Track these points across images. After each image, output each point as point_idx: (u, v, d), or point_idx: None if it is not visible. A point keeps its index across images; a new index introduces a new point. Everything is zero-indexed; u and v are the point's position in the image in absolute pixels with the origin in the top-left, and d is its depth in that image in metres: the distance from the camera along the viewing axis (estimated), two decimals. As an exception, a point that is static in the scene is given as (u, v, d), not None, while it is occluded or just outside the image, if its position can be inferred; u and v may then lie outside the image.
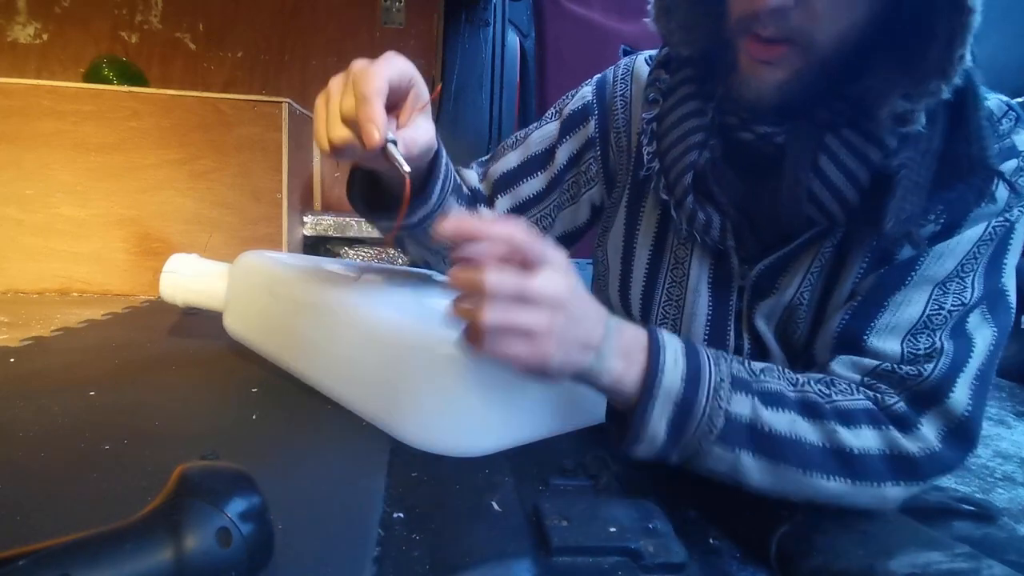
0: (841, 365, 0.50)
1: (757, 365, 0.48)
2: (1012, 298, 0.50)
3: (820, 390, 0.48)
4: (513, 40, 1.57)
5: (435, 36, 1.44)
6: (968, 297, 0.49)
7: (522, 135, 0.71)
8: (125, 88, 1.02)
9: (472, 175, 0.70)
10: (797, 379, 0.48)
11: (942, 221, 0.49)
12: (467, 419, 0.47)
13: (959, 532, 0.50)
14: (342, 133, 0.45)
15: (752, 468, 0.46)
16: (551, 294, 0.41)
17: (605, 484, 0.46)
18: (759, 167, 0.54)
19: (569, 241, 0.73)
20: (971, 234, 0.49)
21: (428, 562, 0.35)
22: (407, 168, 0.45)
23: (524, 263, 0.41)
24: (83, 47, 1.35)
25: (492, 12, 1.42)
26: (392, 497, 0.41)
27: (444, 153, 0.58)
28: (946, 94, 0.44)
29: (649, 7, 0.58)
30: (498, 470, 0.46)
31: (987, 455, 2.44)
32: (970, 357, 0.48)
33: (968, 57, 0.43)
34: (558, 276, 0.42)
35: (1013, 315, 0.50)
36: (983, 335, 0.49)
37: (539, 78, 1.52)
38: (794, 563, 0.44)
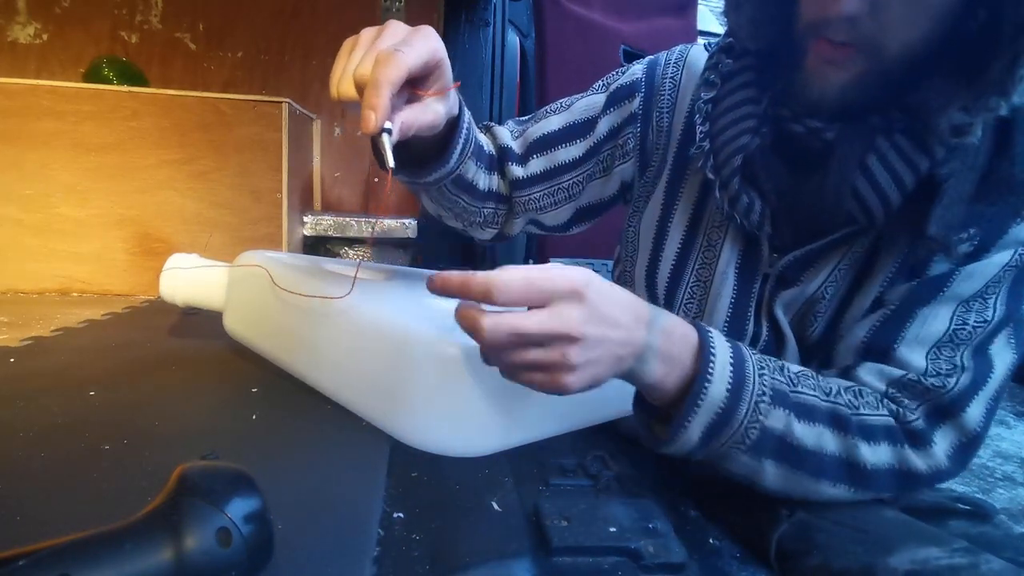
0: (868, 372, 0.52)
1: (794, 370, 0.50)
2: None
3: (849, 401, 0.49)
4: (513, 40, 1.57)
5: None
6: (990, 316, 0.51)
7: (567, 102, 0.72)
8: (125, 88, 1.02)
9: (504, 132, 0.71)
10: (830, 388, 0.49)
11: (975, 243, 0.51)
12: (469, 419, 0.47)
13: (955, 531, 0.51)
14: (349, 91, 0.45)
15: (771, 475, 0.47)
16: (555, 329, 0.41)
17: (605, 484, 0.46)
18: (805, 160, 0.55)
19: (590, 213, 0.75)
20: (999, 259, 0.51)
21: (428, 562, 0.35)
22: (391, 164, 0.45)
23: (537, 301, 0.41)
24: (83, 47, 1.35)
25: (492, 12, 1.42)
26: (392, 497, 0.41)
27: (467, 117, 0.60)
28: (1004, 111, 0.46)
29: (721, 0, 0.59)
30: (498, 470, 0.47)
31: (987, 455, 2.44)
32: (989, 377, 0.50)
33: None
34: (568, 308, 0.41)
35: None
36: (1004, 359, 0.51)
37: (539, 78, 1.52)
38: (794, 562, 0.44)
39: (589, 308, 0.41)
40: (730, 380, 0.45)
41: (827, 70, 0.51)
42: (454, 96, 0.54)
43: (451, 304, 0.46)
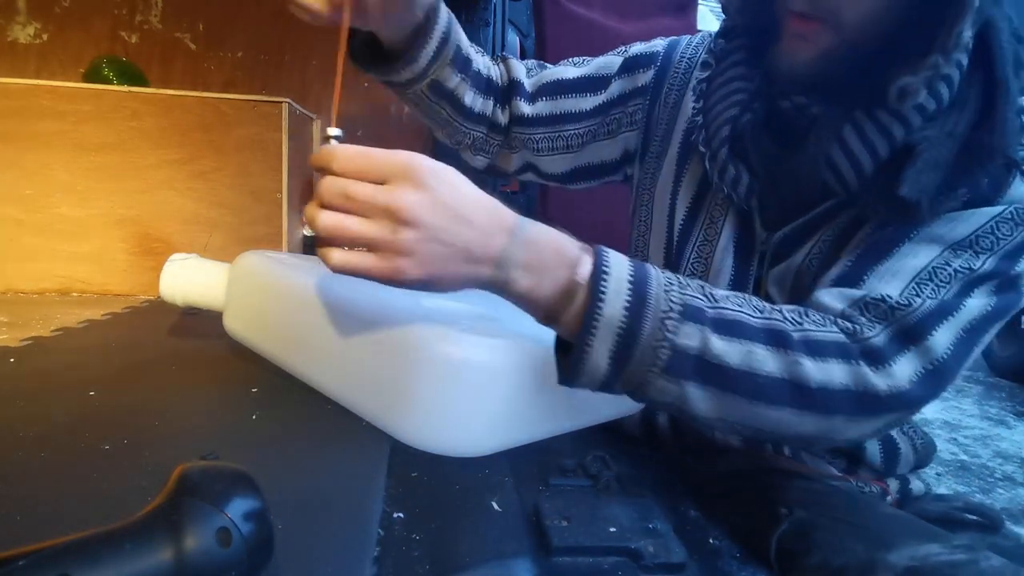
0: (828, 295, 0.49)
1: (721, 292, 0.46)
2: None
3: (791, 319, 0.46)
4: (513, 40, 1.57)
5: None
6: (978, 266, 0.49)
7: (588, 59, 0.74)
8: (125, 88, 1.02)
9: (519, 67, 0.73)
10: (765, 307, 0.47)
11: (964, 200, 0.50)
12: (469, 419, 0.47)
13: None
14: None
15: (698, 399, 0.44)
16: (386, 202, 0.39)
17: (605, 484, 0.46)
18: (792, 135, 0.56)
19: (589, 173, 0.76)
20: (989, 210, 0.50)
21: (428, 562, 0.35)
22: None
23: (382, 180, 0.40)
24: (83, 47, 1.35)
25: (492, 12, 1.42)
26: (392, 497, 0.41)
27: (445, 24, 0.61)
28: (947, 69, 0.47)
29: None
30: (498, 470, 0.47)
31: (987, 455, 2.44)
32: (961, 308, 0.47)
33: (968, 35, 0.46)
34: (404, 187, 0.40)
35: (1020, 304, 0.50)
36: (982, 300, 0.48)
37: (539, 78, 1.52)
38: (794, 561, 0.44)
39: (430, 194, 0.40)
40: (628, 297, 0.42)
41: (797, 45, 0.53)
42: None
43: (451, 304, 0.46)
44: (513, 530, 0.39)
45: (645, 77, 0.72)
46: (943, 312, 0.47)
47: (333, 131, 0.47)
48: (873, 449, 0.62)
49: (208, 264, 0.68)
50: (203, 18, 1.40)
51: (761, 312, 0.46)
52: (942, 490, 0.67)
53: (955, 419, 2.88)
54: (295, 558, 0.32)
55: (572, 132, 0.73)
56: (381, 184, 0.40)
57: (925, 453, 0.65)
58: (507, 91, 0.72)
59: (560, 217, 1.40)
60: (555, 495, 0.44)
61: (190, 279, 0.67)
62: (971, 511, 0.60)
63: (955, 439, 2.59)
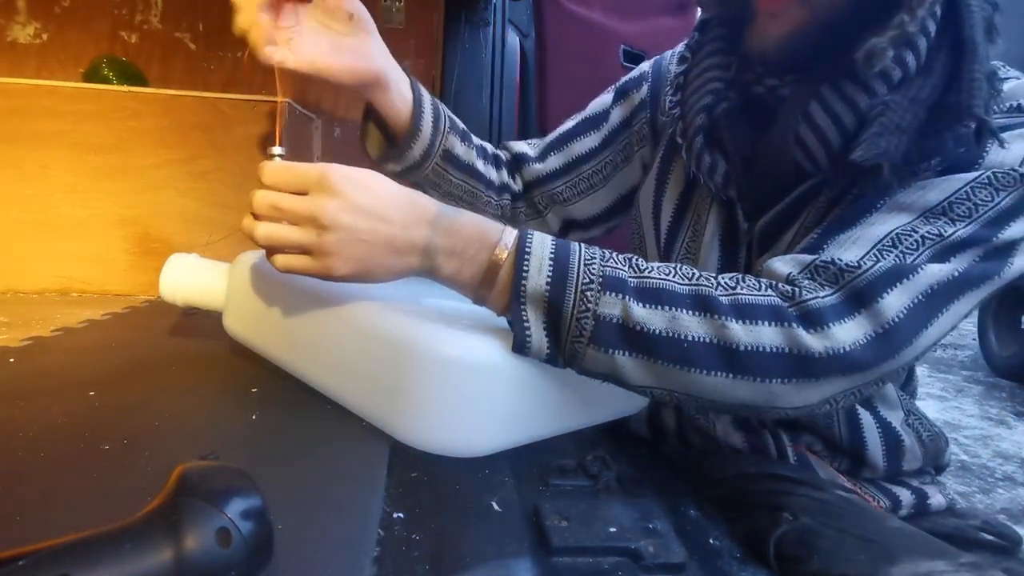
0: (780, 261, 0.49)
1: (648, 264, 0.47)
2: (1017, 260, 0.48)
3: (724, 284, 0.46)
4: (513, 40, 1.57)
5: (435, 36, 1.44)
6: (950, 232, 0.47)
7: (579, 113, 0.77)
8: (125, 88, 1.02)
9: (518, 143, 0.76)
10: (697, 274, 0.47)
11: (938, 169, 0.49)
12: (470, 419, 0.47)
13: None
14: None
15: (630, 367, 0.45)
16: (306, 211, 0.44)
17: (605, 484, 0.46)
18: (766, 120, 0.56)
19: (626, 204, 0.77)
20: (964, 176, 0.48)
21: (428, 562, 0.35)
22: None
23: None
24: (83, 47, 1.35)
25: (492, 12, 1.41)
26: (392, 497, 0.41)
27: (428, 97, 0.64)
28: (912, 27, 0.47)
29: None
30: (498, 470, 0.46)
31: (987, 455, 2.45)
32: (918, 271, 0.45)
33: None
34: (321, 196, 0.44)
35: (1007, 274, 0.48)
36: (949, 266, 0.46)
37: (539, 78, 1.52)
38: (794, 565, 0.43)
39: (343, 198, 0.44)
40: (549, 272, 0.45)
41: (769, 24, 0.54)
42: (388, 74, 0.59)
43: (453, 304, 0.46)
44: (513, 530, 0.39)
45: (640, 94, 0.73)
46: (897, 275, 0.45)
47: (277, 150, 0.51)
48: (874, 441, 0.60)
49: (208, 264, 0.68)
50: (203, 18, 1.40)
51: (689, 279, 0.46)
52: (953, 494, 0.65)
53: (955, 419, 2.88)
54: (295, 558, 0.32)
55: (590, 171, 0.74)
56: (304, 195, 0.45)
57: (936, 448, 0.63)
58: (514, 163, 0.75)
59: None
60: (555, 495, 0.44)
61: (190, 279, 0.67)
62: (987, 531, 0.58)
63: (955, 439, 2.59)
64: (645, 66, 0.75)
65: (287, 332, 0.57)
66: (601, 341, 0.44)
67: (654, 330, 0.44)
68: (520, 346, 0.46)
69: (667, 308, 0.44)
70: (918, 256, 0.46)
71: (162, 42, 1.40)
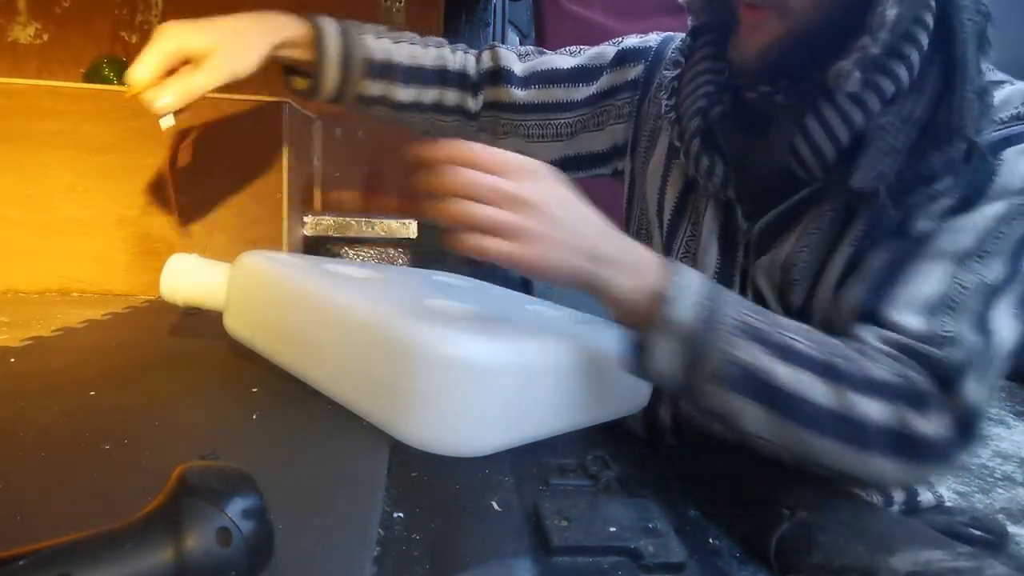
0: (868, 333, 0.50)
1: (785, 321, 0.49)
2: None
3: (848, 354, 0.48)
4: (513, 40, 1.57)
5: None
6: (989, 276, 0.49)
7: (583, 48, 0.77)
8: (126, 88, 1.02)
9: (508, 55, 0.76)
10: (824, 339, 0.48)
11: (957, 195, 0.50)
12: (472, 418, 0.47)
13: None
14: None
15: (749, 414, 0.46)
16: (527, 195, 0.44)
17: (605, 484, 0.46)
18: (759, 125, 0.58)
19: (577, 164, 0.78)
20: (990, 210, 0.49)
21: (428, 562, 0.35)
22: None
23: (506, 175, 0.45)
24: (83, 47, 1.35)
25: (492, 12, 1.41)
26: (392, 497, 0.41)
27: (335, 49, 0.71)
28: (875, 49, 0.48)
29: None
30: (498, 470, 0.47)
31: (987, 455, 2.44)
32: (990, 352, 0.48)
33: (892, 14, 0.47)
34: (536, 182, 0.45)
35: None
36: (1008, 330, 0.49)
37: (539, 78, 1.52)
38: (794, 561, 0.44)
39: (559, 192, 0.46)
40: (696, 309, 0.46)
41: (750, 34, 0.55)
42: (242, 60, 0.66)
43: (455, 305, 0.46)
44: (513, 530, 0.39)
45: (635, 71, 0.73)
46: (973, 362, 0.47)
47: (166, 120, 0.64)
48: None
49: (209, 264, 0.68)
50: (203, 18, 1.40)
51: (820, 344, 0.48)
52: (942, 490, 0.66)
53: (955, 419, 2.87)
54: (295, 558, 0.32)
55: (563, 121, 0.74)
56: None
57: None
58: (492, 77, 0.76)
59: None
60: (555, 495, 0.44)
61: (191, 279, 0.67)
62: (976, 526, 0.59)
63: (955, 439, 2.59)
64: (652, 40, 0.75)
65: (288, 332, 0.57)
66: (730, 384, 0.46)
67: (782, 385, 0.45)
68: (640, 370, 0.48)
69: (797, 367, 0.46)
70: (976, 317, 0.48)
71: (162, 42, 1.39)
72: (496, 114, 0.78)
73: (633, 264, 0.47)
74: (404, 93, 0.75)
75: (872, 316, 0.51)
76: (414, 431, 0.47)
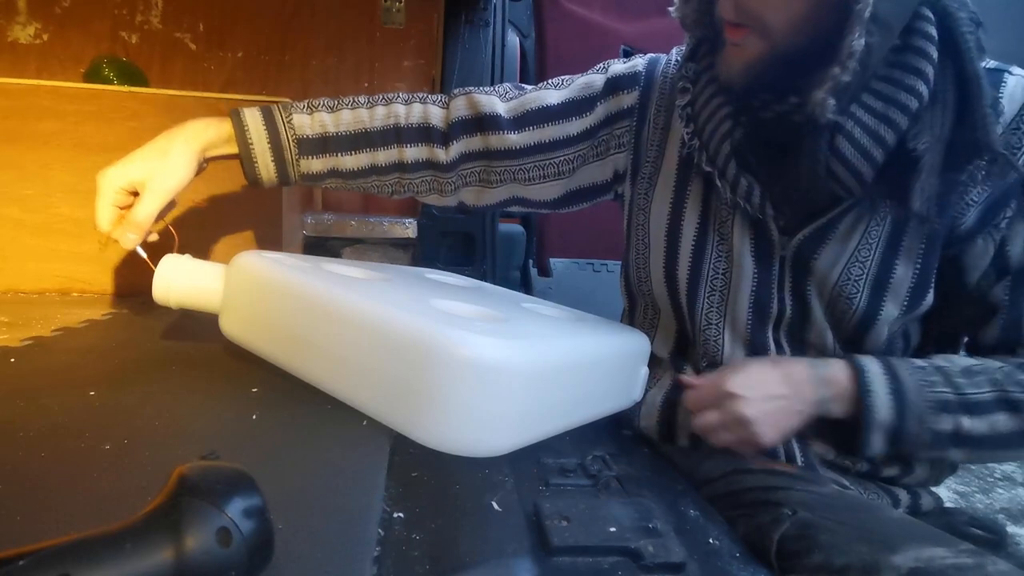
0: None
1: (960, 378, 0.57)
2: None
3: (1019, 381, 0.56)
4: (513, 40, 1.57)
5: (435, 36, 1.44)
6: None
7: (567, 79, 0.74)
8: (125, 88, 1.02)
9: (490, 100, 0.72)
10: (996, 379, 0.56)
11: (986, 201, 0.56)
12: (484, 418, 0.47)
13: None
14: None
15: (956, 455, 0.59)
16: (718, 388, 0.57)
17: (605, 484, 0.46)
18: (782, 144, 0.59)
19: (581, 196, 0.76)
20: None
21: (428, 562, 0.35)
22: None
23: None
24: (83, 47, 1.35)
25: (492, 12, 1.41)
26: (392, 497, 0.41)
27: (255, 136, 0.72)
28: (845, 77, 0.50)
29: None
30: (498, 470, 0.47)
31: (987, 455, 2.44)
32: None
33: (861, 43, 0.48)
34: (733, 404, 0.56)
35: None
36: None
37: (539, 78, 1.52)
38: (795, 561, 0.44)
39: (745, 399, 0.55)
40: (892, 406, 0.55)
41: (733, 53, 0.57)
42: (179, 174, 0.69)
43: (463, 306, 0.46)
44: (513, 530, 0.39)
45: (630, 99, 0.71)
46: None
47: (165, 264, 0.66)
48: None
49: (201, 265, 0.66)
50: (203, 18, 1.40)
51: (993, 386, 0.56)
52: (942, 490, 0.67)
53: (955, 419, 2.87)
54: (295, 558, 0.32)
55: (562, 158, 0.72)
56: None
57: (941, 468, 0.67)
58: (473, 126, 0.71)
59: (557, 223, 1.40)
60: (555, 495, 0.44)
61: (184, 281, 0.65)
62: (976, 525, 0.61)
63: (955, 439, 2.59)
64: (639, 64, 0.73)
65: (290, 334, 0.56)
66: (936, 447, 0.57)
67: (980, 434, 0.55)
68: (854, 451, 0.59)
69: (987, 416, 0.55)
70: None
71: (162, 42, 1.40)
72: (487, 163, 0.73)
73: (837, 392, 0.57)
74: (352, 161, 0.72)
75: (1013, 349, 0.60)
76: (432, 432, 0.46)
